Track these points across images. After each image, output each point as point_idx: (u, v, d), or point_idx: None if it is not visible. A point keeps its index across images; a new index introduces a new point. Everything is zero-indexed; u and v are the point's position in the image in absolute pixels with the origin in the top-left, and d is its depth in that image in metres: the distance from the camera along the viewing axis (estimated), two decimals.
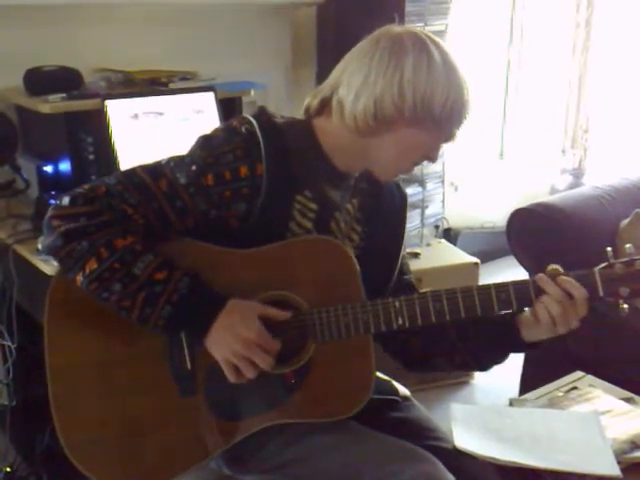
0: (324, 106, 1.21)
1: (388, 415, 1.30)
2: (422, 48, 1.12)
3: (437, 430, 1.28)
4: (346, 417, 1.16)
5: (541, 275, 1.14)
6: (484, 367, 1.27)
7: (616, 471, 1.21)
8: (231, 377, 1.11)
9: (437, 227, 2.93)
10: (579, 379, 1.61)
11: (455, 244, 3.14)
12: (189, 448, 1.15)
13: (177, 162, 1.14)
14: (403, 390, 1.38)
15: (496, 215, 3.56)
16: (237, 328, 1.09)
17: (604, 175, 3.39)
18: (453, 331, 1.23)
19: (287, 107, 2.67)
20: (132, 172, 1.14)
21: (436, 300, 1.14)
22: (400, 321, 1.14)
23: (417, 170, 1.82)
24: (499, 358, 1.24)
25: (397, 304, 1.14)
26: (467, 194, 3.57)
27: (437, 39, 1.16)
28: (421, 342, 1.27)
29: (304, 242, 1.17)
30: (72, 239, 1.07)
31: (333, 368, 1.15)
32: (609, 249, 1.14)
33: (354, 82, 1.14)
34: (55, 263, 1.14)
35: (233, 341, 1.09)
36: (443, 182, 2.88)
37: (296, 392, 1.15)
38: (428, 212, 2.81)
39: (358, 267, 1.16)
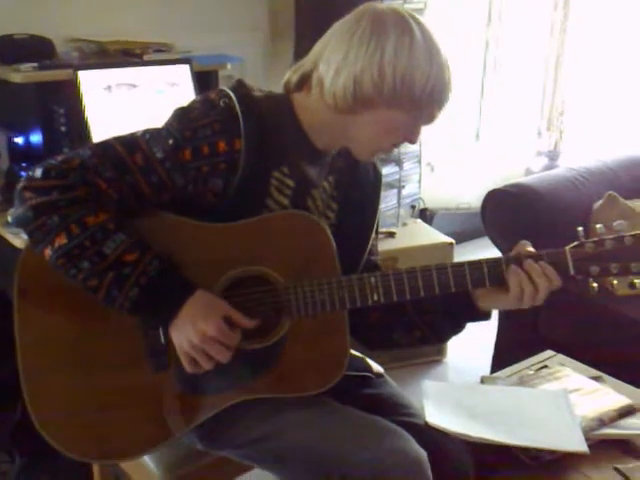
0: (304, 82, 1.19)
1: (361, 391, 1.31)
2: (405, 28, 1.10)
3: (410, 407, 1.29)
4: (319, 393, 1.16)
5: (519, 254, 1.15)
6: (443, 339, 1.29)
7: (584, 447, 1.23)
8: (188, 367, 1.11)
9: (413, 207, 2.93)
10: (549, 358, 1.64)
11: (431, 224, 3.15)
12: (160, 424, 1.15)
13: (153, 134, 1.11)
14: (376, 367, 1.38)
15: (472, 196, 3.58)
16: (197, 320, 1.07)
17: (579, 157, 3.41)
18: (409, 305, 1.23)
19: (264, 81, 2.64)
20: (107, 144, 1.11)
21: (411, 277, 1.14)
22: (375, 297, 1.14)
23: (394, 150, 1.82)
24: (456, 328, 1.25)
25: (372, 280, 1.14)
26: (443, 175, 3.58)
27: (420, 19, 1.14)
28: (379, 318, 1.27)
29: (281, 217, 1.16)
30: (43, 212, 1.05)
31: (307, 344, 1.15)
32: (580, 229, 1.15)
33: (334, 58, 1.12)
34: (25, 236, 1.11)
35: (192, 333, 1.07)
36: (420, 162, 2.88)
37: (270, 368, 1.15)
38: (405, 192, 2.82)
39: (334, 243, 1.15)
